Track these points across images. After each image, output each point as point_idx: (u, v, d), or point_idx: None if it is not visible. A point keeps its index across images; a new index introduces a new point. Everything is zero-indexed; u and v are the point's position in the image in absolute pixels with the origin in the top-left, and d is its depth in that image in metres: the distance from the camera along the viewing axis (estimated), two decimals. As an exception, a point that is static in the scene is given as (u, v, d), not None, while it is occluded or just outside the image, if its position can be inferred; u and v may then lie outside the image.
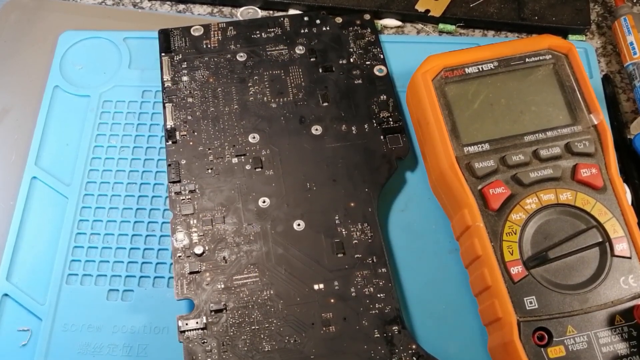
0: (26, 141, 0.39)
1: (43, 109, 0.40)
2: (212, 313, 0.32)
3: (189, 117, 0.38)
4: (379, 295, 0.33)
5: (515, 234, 0.32)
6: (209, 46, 0.40)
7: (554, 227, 0.32)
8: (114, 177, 0.38)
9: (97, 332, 0.34)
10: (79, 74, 0.41)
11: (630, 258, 0.31)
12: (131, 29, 0.43)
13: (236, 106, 0.38)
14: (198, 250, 0.34)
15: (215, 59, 0.40)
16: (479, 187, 0.33)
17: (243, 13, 0.44)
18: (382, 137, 0.37)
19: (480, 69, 0.35)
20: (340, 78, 0.39)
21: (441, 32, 0.44)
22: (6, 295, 0.35)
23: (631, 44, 0.41)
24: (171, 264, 0.35)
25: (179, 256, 0.34)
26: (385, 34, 0.43)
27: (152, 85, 0.41)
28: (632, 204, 0.36)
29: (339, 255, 0.34)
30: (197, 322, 0.32)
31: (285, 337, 0.32)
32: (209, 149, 0.37)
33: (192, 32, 0.41)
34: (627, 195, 0.34)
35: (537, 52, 0.36)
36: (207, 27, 0.41)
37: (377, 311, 0.32)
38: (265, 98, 0.38)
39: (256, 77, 0.39)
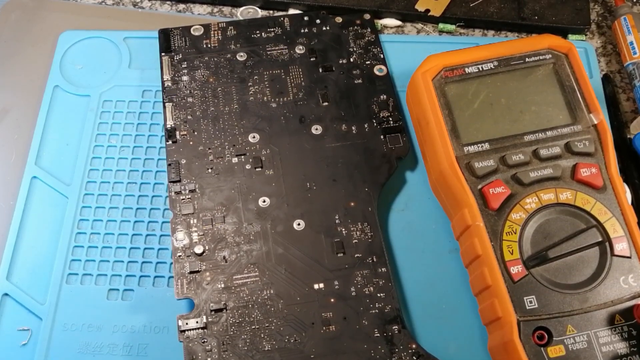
0: (26, 141, 0.39)
1: (43, 108, 0.40)
2: (212, 312, 0.32)
3: (189, 117, 0.38)
4: (379, 295, 0.33)
5: (515, 233, 0.32)
6: (209, 46, 0.40)
7: (554, 227, 0.32)
8: (114, 176, 0.38)
9: (97, 332, 0.34)
10: (79, 74, 0.41)
11: (630, 257, 0.31)
12: (131, 28, 0.43)
13: (236, 106, 0.38)
14: (198, 249, 0.34)
15: (215, 59, 0.40)
16: (479, 187, 0.33)
17: (243, 13, 0.44)
18: (382, 136, 0.37)
19: (480, 69, 0.35)
20: (340, 78, 0.39)
21: (441, 31, 0.44)
22: (6, 294, 0.35)
23: (631, 43, 0.41)
24: (171, 263, 0.35)
25: (179, 256, 0.34)
26: (385, 34, 0.43)
27: (152, 85, 0.41)
28: (632, 204, 0.36)
29: (339, 255, 0.34)
30: (197, 322, 0.32)
31: (285, 337, 0.32)
32: (209, 149, 0.37)
33: (192, 32, 0.41)
34: (627, 195, 0.34)
35: (537, 51, 0.36)
36: (207, 27, 0.41)
37: (377, 311, 0.32)
38: (265, 98, 0.38)
39: (256, 77, 0.39)
